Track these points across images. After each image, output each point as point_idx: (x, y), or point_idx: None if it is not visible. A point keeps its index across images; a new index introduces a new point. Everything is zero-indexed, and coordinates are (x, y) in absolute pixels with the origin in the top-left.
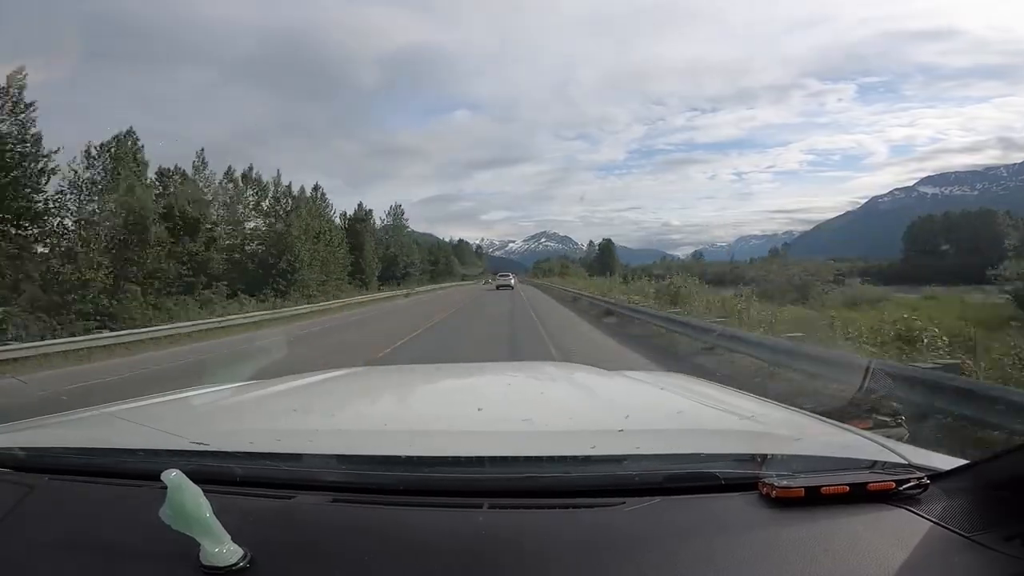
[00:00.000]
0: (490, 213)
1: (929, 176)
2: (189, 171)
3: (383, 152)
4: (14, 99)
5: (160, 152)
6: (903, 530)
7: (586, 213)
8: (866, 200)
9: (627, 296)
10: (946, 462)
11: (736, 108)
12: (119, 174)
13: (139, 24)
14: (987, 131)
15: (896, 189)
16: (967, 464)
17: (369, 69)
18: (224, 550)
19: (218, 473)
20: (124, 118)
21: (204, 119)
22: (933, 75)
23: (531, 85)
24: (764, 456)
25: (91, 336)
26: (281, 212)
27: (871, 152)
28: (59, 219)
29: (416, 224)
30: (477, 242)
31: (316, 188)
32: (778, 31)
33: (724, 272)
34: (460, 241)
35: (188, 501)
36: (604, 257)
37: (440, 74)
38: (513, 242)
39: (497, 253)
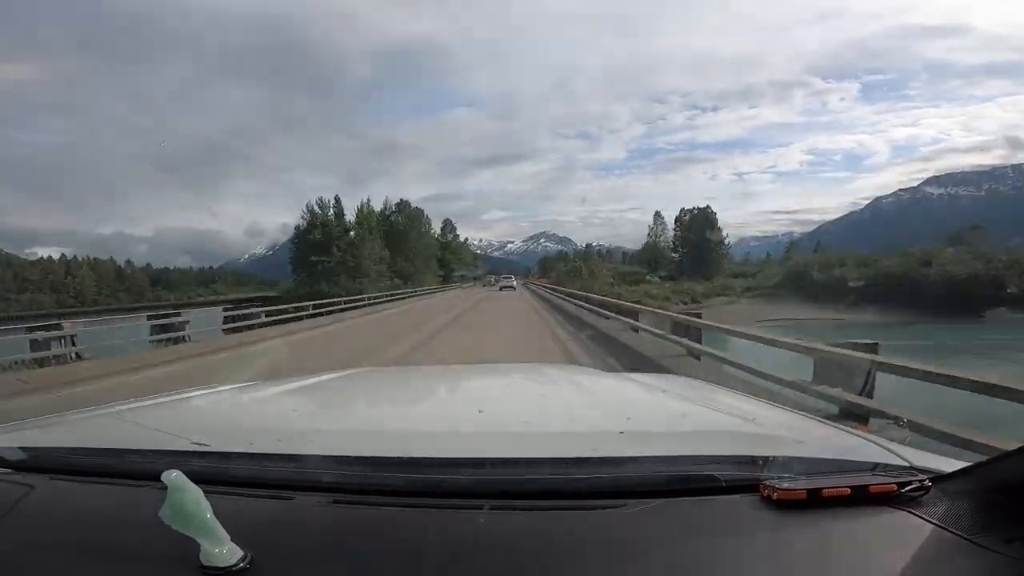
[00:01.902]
0: (490, 213)
1: (934, 176)
2: None
3: (381, 149)
4: None
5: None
6: (904, 532)
7: (586, 214)
8: (868, 201)
9: None
10: (948, 464)
11: (738, 107)
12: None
13: (128, 15)
14: (993, 131)
15: (900, 190)
16: (969, 466)
17: (365, 64)
18: (224, 551)
19: (218, 474)
20: (113, 115)
21: (197, 115)
22: (940, 73)
23: (531, 82)
24: (765, 458)
25: None
26: None
27: (873, 152)
28: None
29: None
30: (475, 240)
31: None
32: (783, 26)
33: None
34: (402, 204)
35: (188, 501)
36: (702, 252)
37: (438, 70)
38: (512, 242)
39: (496, 254)
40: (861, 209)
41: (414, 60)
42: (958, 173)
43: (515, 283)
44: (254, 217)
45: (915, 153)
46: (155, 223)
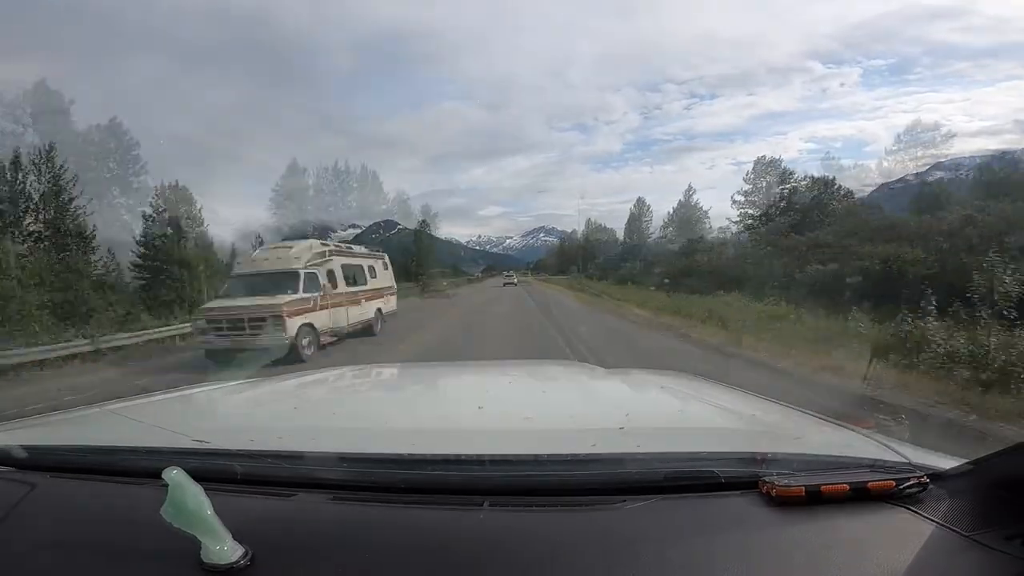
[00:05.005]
0: (486, 209)
1: (941, 162)
2: None
3: (369, 146)
4: None
5: None
6: (903, 530)
7: (585, 207)
8: (873, 188)
9: None
10: (947, 461)
11: (736, 95)
12: None
13: (94, 8)
14: (1000, 115)
15: (908, 175)
16: (967, 463)
17: (349, 53)
18: (224, 548)
19: (219, 471)
20: (86, 114)
21: (174, 111)
22: (943, 56)
23: (523, 71)
24: (764, 455)
25: None
26: None
27: (875, 138)
28: None
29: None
30: (473, 237)
31: None
32: (784, 7)
33: None
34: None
35: (189, 499)
36: None
37: (427, 59)
38: (511, 238)
39: (495, 250)
40: (865, 196)
41: (402, 49)
42: (967, 158)
43: (516, 279)
44: (243, 219)
45: (918, 139)
46: None
